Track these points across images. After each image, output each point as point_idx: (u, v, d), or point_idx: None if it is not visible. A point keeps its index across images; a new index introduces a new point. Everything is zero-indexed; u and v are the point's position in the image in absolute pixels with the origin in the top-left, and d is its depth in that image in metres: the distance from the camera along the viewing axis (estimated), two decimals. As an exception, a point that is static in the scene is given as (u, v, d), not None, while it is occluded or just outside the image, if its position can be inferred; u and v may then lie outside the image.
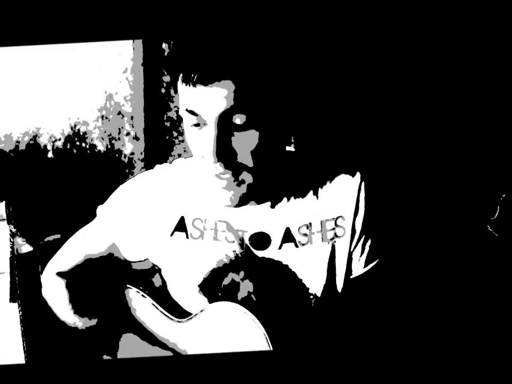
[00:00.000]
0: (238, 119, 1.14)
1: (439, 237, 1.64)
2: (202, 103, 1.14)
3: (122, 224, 1.35)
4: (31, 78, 1.86)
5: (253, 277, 1.28)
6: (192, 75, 1.12)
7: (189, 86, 1.14)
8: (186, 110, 1.17)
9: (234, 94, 1.12)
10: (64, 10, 1.43)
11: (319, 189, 1.29)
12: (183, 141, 1.87)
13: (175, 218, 1.32)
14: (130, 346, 1.32)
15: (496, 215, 1.37)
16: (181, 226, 1.31)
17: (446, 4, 1.55)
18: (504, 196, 1.37)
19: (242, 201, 1.23)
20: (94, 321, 1.35)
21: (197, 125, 1.17)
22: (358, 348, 1.27)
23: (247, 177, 1.20)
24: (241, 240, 1.29)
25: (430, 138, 1.71)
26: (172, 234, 1.32)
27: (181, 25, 1.40)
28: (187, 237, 1.31)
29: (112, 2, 1.43)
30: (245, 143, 1.16)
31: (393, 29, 1.65)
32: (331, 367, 1.26)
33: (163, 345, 1.31)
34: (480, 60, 1.68)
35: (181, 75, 1.16)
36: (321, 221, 1.28)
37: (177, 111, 1.86)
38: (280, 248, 1.28)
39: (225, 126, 1.14)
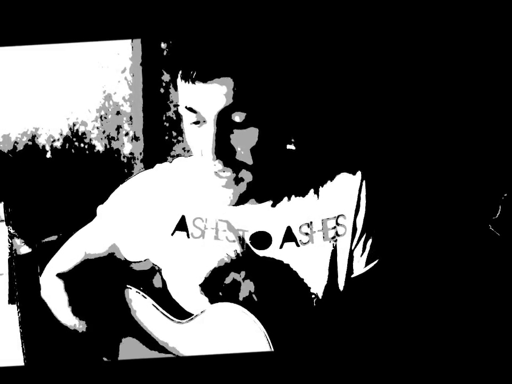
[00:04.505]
0: (237, 117, 1.14)
1: (440, 236, 1.64)
2: (202, 100, 1.14)
3: (123, 224, 1.35)
4: (29, 78, 1.85)
5: (254, 277, 1.27)
6: (191, 72, 1.12)
7: (188, 83, 1.14)
8: (186, 107, 1.16)
9: (234, 91, 1.12)
10: (62, 9, 1.42)
11: (320, 187, 1.29)
12: (182, 140, 1.87)
13: (176, 217, 1.31)
14: (130, 348, 1.32)
15: (497, 214, 1.37)
16: (181, 225, 1.31)
17: (446, 3, 1.55)
18: (505, 195, 1.37)
19: (242, 199, 1.22)
20: (93, 324, 1.34)
21: (197, 122, 1.17)
22: (359, 348, 1.26)
23: (246, 175, 1.19)
24: (242, 239, 1.28)
25: (431, 137, 1.71)
26: (172, 234, 1.31)
27: (180, 22, 1.40)
28: (188, 237, 1.31)
29: (111, 2, 1.43)
30: (244, 141, 1.16)
31: (394, 28, 1.65)
32: (332, 367, 1.26)
33: (163, 346, 1.31)
34: (480, 60, 1.68)
35: (180, 72, 1.15)
36: (322, 220, 1.27)
37: (176, 111, 1.86)
38: (281, 247, 1.27)
39: (224, 124, 1.14)
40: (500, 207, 1.37)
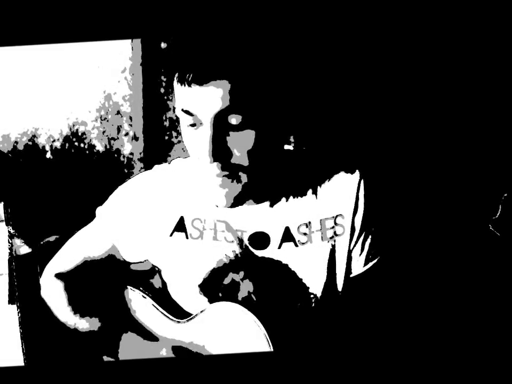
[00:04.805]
0: (234, 119, 1.13)
1: (440, 236, 1.63)
2: (198, 103, 1.13)
3: (122, 225, 1.35)
4: (29, 78, 1.86)
5: (253, 277, 1.27)
6: (187, 75, 1.12)
7: (184, 86, 1.13)
8: (182, 110, 1.16)
9: (230, 94, 1.11)
10: (62, 9, 1.42)
11: (318, 187, 1.28)
12: (182, 140, 1.87)
13: (175, 218, 1.31)
14: (130, 348, 1.32)
15: (498, 214, 1.37)
16: (180, 226, 1.31)
17: (446, 3, 1.55)
18: (506, 195, 1.37)
19: (238, 201, 1.22)
20: (94, 323, 1.34)
21: (193, 125, 1.17)
22: (358, 347, 1.26)
23: (243, 177, 1.19)
24: (240, 240, 1.28)
25: (431, 136, 1.71)
26: (171, 235, 1.31)
27: (178, 24, 1.40)
28: (187, 237, 1.30)
29: (110, 1, 1.43)
30: (241, 143, 1.16)
31: (391, 26, 1.64)
32: (332, 367, 1.26)
33: (163, 346, 1.31)
34: (480, 60, 1.68)
35: (176, 75, 1.15)
36: (320, 220, 1.27)
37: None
38: (279, 247, 1.27)
39: (221, 126, 1.14)
40: (500, 207, 1.37)
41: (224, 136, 1.15)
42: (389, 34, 1.67)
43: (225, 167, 1.16)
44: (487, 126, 1.68)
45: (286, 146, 1.32)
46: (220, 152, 1.14)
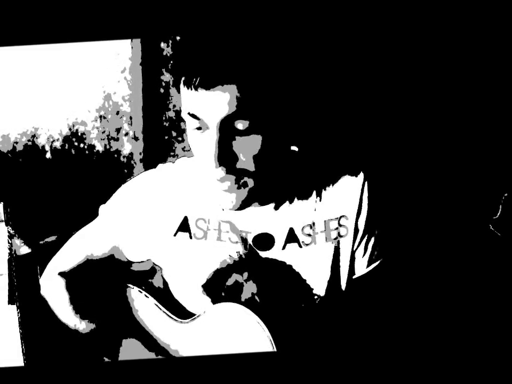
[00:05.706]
0: (240, 124, 1.13)
1: (441, 236, 1.64)
2: (204, 107, 1.12)
3: (125, 224, 1.34)
4: (29, 78, 1.85)
5: (257, 278, 1.27)
6: (194, 79, 1.11)
7: (191, 89, 1.12)
8: (188, 113, 1.16)
9: (237, 99, 1.11)
10: (62, 9, 1.42)
11: (322, 189, 1.29)
12: (182, 140, 1.87)
13: (179, 218, 1.31)
14: (131, 348, 1.32)
15: (498, 214, 1.37)
16: (184, 226, 1.31)
17: (446, 3, 1.55)
18: (506, 195, 1.38)
19: (244, 205, 1.22)
20: (95, 323, 1.34)
21: (199, 128, 1.16)
22: (362, 348, 1.26)
23: (248, 181, 1.18)
24: (245, 240, 1.28)
25: (432, 137, 1.71)
26: (175, 235, 1.31)
27: (182, 28, 1.40)
28: (190, 237, 1.30)
29: (111, 2, 1.43)
30: (247, 148, 1.15)
31: (393, 31, 1.65)
32: (335, 368, 1.26)
33: (165, 346, 1.31)
34: (480, 60, 1.68)
35: (183, 78, 1.14)
36: (324, 221, 1.27)
37: (176, 111, 1.86)
38: (283, 248, 1.27)
39: (227, 131, 1.13)
40: (500, 207, 1.37)
41: (230, 141, 1.14)
42: (394, 39, 1.67)
43: (231, 171, 1.16)
44: (487, 126, 1.69)
45: (292, 147, 1.32)
46: (226, 157, 1.14)
